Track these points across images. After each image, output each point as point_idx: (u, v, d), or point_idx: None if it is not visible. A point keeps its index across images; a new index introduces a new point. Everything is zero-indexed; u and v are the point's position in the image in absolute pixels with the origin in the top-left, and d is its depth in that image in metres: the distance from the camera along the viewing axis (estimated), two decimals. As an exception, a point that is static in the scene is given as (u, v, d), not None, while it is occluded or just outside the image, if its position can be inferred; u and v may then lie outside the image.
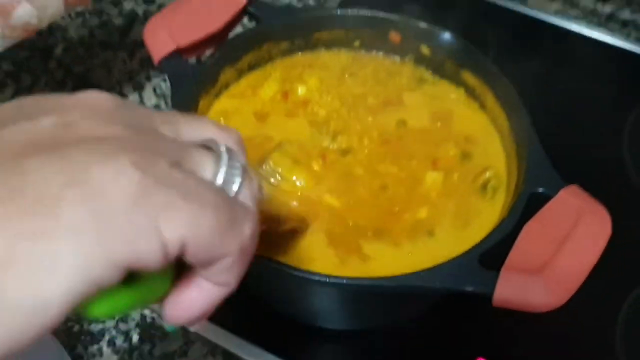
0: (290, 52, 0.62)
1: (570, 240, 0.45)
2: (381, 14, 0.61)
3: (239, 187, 0.25)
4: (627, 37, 0.81)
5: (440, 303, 0.57)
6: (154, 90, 0.72)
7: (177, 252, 0.21)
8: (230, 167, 0.25)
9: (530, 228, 0.47)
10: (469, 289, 0.44)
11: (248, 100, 0.60)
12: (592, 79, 0.77)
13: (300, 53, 0.62)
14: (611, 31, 0.81)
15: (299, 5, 0.83)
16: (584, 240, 0.45)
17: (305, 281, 0.45)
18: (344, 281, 0.45)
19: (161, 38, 0.56)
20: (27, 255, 0.18)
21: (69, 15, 0.79)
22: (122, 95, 0.72)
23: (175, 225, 0.21)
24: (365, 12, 0.61)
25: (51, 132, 0.22)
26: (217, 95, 0.59)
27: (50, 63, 0.74)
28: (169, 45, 0.56)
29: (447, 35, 0.61)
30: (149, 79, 0.73)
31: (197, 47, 0.58)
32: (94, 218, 0.19)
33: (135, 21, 0.78)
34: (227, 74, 0.59)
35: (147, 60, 0.75)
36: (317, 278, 0.44)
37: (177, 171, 0.22)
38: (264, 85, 0.60)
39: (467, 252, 0.46)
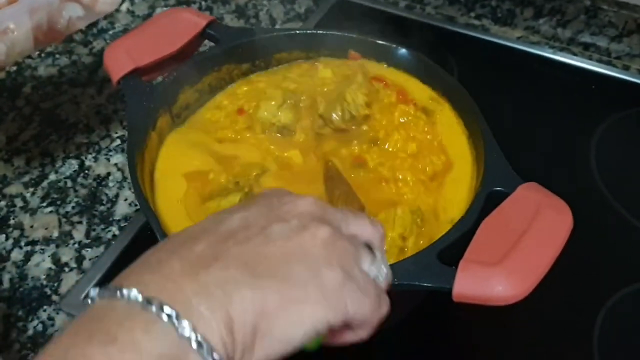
0: (251, 73, 0.63)
1: (529, 232, 0.45)
2: (339, 33, 0.62)
3: (383, 280, 0.38)
4: (589, 58, 0.82)
5: (420, 307, 0.56)
6: (121, 122, 0.73)
7: (349, 320, 0.35)
8: (379, 266, 0.38)
9: (489, 223, 0.46)
10: (428, 284, 0.43)
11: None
12: (559, 98, 0.78)
13: (261, 73, 0.63)
14: (573, 54, 0.83)
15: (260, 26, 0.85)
16: (543, 231, 0.45)
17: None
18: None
19: (120, 59, 0.57)
20: (291, 312, 0.32)
21: (39, 55, 0.80)
22: (90, 128, 0.72)
23: (353, 307, 0.34)
24: (323, 31, 0.62)
25: (296, 231, 0.35)
26: (179, 116, 0.59)
27: (18, 101, 0.75)
28: (128, 66, 0.57)
29: (403, 51, 0.62)
30: (116, 112, 0.74)
31: (156, 68, 0.59)
32: (323, 296, 0.33)
33: (104, 59, 0.80)
34: (187, 94, 0.59)
35: (114, 95, 0.75)
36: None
37: (358, 271, 0.36)
38: None
39: (426, 249, 0.45)
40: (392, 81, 0.61)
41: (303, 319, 0.32)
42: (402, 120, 0.59)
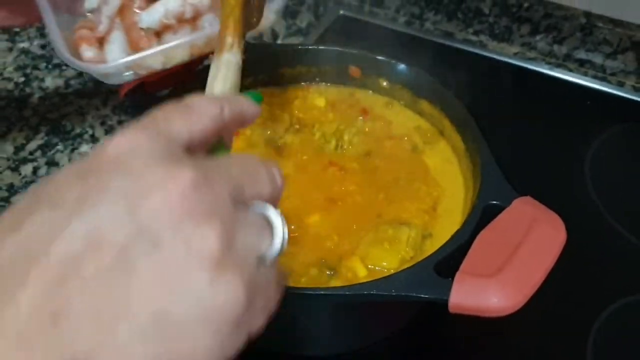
0: (254, 87, 0.65)
1: (524, 245, 0.46)
2: (339, 49, 0.64)
3: (282, 248, 0.28)
4: (585, 74, 0.84)
5: (418, 317, 0.57)
6: (126, 132, 0.74)
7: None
8: (279, 237, 0.28)
9: (484, 236, 0.47)
10: (425, 295, 0.45)
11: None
12: (555, 113, 0.80)
13: (263, 88, 0.65)
14: (569, 70, 0.85)
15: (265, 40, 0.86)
16: (537, 245, 0.46)
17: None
18: (307, 291, 0.45)
19: (127, 72, 0.58)
20: None
21: (46, 67, 0.82)
22: (95, 138, 0.73)
23: (258, 327, 0.27)
24: (324, 47, 0.64)
25: (169, 250, 0.24)
26: (182, 127, 0.61)
27: (25, 111, 0.76)
28: (134, 80, 0.58)
29: (403, 67, 0.63)
30: (120, 123, 0.75)
31: (162, 81, 0.60)
32: (220, 342, 0.25)
33: (109, 71, 0.81)
34: (191, 107, 0.61)
35: (119, 106, 0.77)
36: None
37: (261, 274, 0.27)
38: None
39: (423, 261, 0.47)
40: (378, 114, 0.64)
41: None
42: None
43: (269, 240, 0.28)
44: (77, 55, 0.57)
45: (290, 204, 0.56)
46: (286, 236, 0.29)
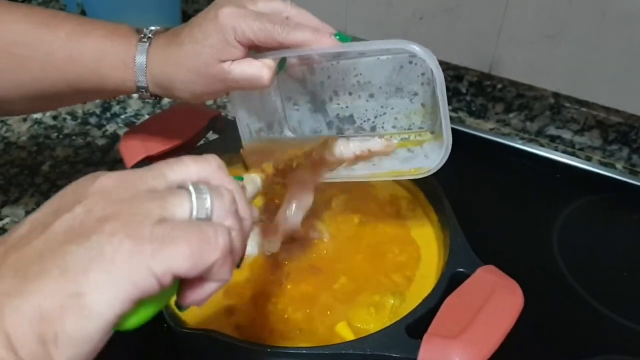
0: (248, 161, 0.71)
1: (484, 310, 0.51)
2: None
3: (210, 212, 0.34)
4: (555, 149, 0.91)
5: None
6: (129, 199, 0.80)
7: (170, 279, 0.32)
8: (198, 199, 0.34)
9: (450, 301, 0.53)
10: (396, 355, 0.50)
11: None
12: (527, 185, 0.86)
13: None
14: (541, 145, 0.92)
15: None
16: (497, 309, 0.52)
17: (251, 352, 0.50)
18: (290, 350, 0.50)
19: (134, 147, 0.65)
20: (76, 305, 0.30)
21: (57, 137, 0.89)
22: (100, 204, 0.79)
23: (159, 264, 0.31)
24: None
25: (80, 218, 0.32)
26: (182, 197, 0.67)
27: (37, 178, 0.83)
28: (141, 153, 0.65)
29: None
30: (125, 190, 0.81)
31: (166, 155, 0.66)
32: (109, 276, 0.30)
33: (116, 141, 0.88)
34: (191, 179, 0.67)
35: (124, 174, 0.83)
36: (258, 348, 0.50)
37: (157, 226, 0.32)
38: None
39: (395, 324, 0.52)
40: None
41: (94, 307, 0.30)
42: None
43: (184, 200, 0.34)
44: None
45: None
46: (208, 199, 0.34)
